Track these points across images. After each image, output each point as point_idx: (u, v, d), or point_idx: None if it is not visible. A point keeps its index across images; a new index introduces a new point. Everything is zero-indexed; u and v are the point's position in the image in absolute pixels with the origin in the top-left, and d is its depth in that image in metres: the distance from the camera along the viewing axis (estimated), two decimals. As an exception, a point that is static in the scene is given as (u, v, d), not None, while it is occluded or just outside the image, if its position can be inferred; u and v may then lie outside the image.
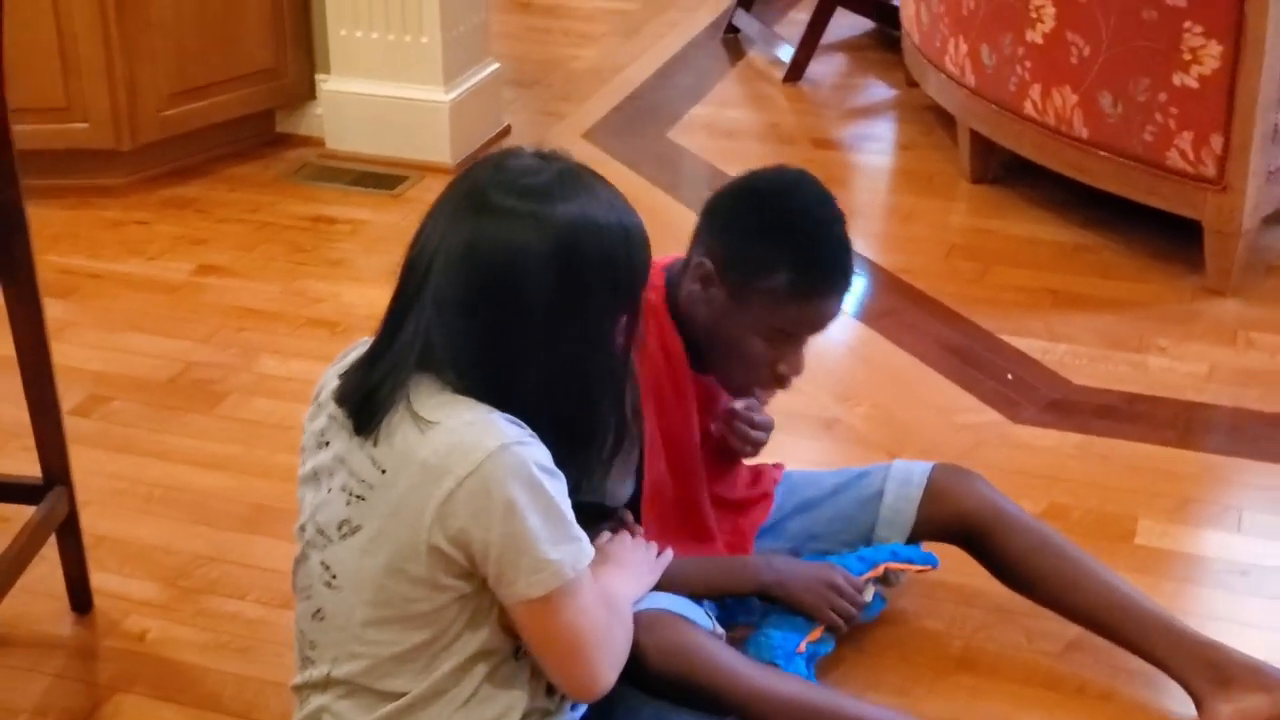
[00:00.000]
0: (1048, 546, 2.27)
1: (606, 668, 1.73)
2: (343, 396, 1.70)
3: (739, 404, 2.23)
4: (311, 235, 3.62)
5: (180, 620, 2.35)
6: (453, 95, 3.98)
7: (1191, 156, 3.31)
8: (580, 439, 1.71)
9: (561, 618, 1.65)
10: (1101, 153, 3.50)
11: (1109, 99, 3.43)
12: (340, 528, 1.69)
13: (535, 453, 1.61)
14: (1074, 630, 2.29)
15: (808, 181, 2.09)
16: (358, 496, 1.67)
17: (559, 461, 1.66)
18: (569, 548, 1.63)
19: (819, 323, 2.05)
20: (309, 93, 4.09)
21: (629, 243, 1.69)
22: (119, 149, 3.77)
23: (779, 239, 2.00)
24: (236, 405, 2.93)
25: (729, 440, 2.24)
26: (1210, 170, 3.30)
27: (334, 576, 1.71)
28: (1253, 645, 2.26)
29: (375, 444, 1.64)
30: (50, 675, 2.24)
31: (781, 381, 2.09)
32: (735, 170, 3.97)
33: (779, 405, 2.88)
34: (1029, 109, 3.64)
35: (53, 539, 2.25)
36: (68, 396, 2.89)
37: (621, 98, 4.63)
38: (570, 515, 1.64)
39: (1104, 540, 2.55)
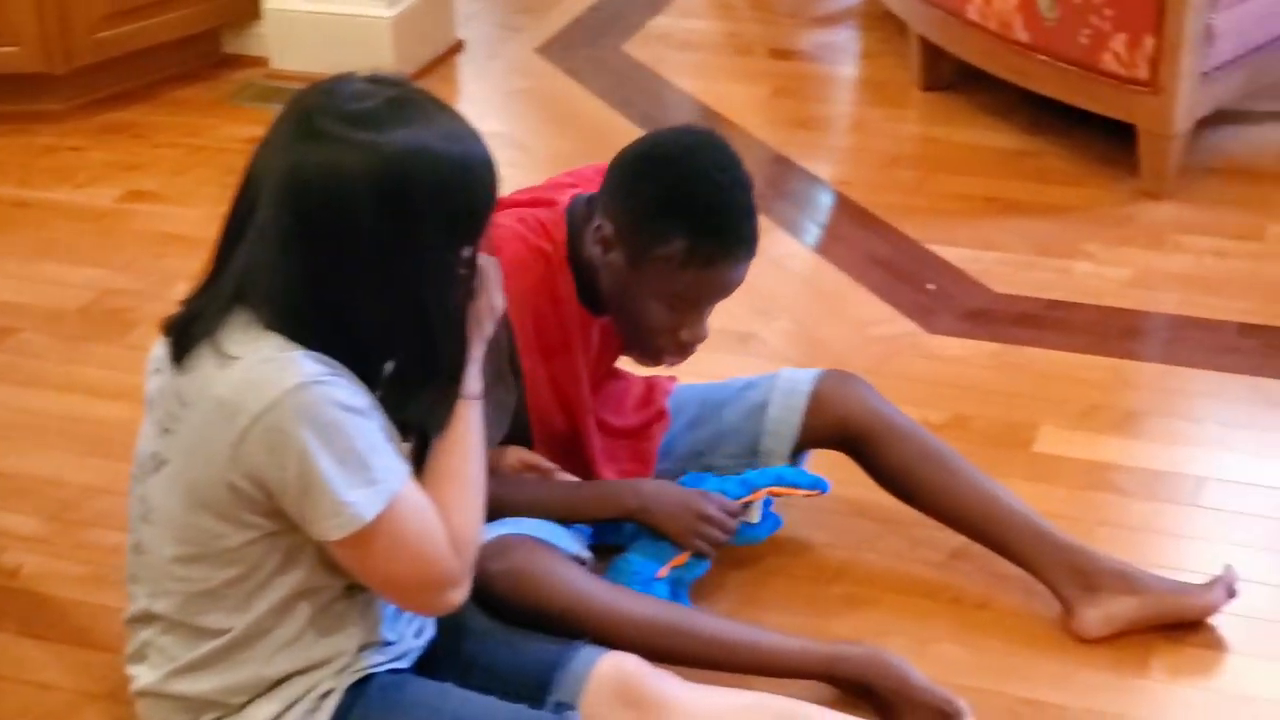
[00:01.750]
0: (930, 455, 2.25)
1: (438, 594, 1.69)
2: (168, 325, 1.67)
3: None
4: (246, 159, 3.59)
5: (58, 554, 2.35)
6: (396, 10, 3.94)
7: (1125, 59, 3.26)
8: (421, 376, 1.67)
9: (371, 558, 1.63)
10: (1041, 57, 3.44)
11: (1047, 2, 3.36)
12: (153, 459, 1.68)
13: (335, 391, 1.57)
14: (959, 539, 2.27)
15: (710, 145, 2.02)
16: (166, 429, 1.66)
17: (399, 398, 1.64)
18: (366, 491, 1.58)
19: (720, 290, 2.01)
20: (254, 10, 4.06)
21: (468, 173, 1.63)
22: (53, 73, 3.75)
23: (675, 208, 1.94)
24: (147, 334, 2.86)
25: None
26: (1143, 72, 3.24)
27: (149, 510, 1.70)
28: (1137, 549, 2.27)
29: (183, 375, 1.63)
30: (-86, 619, 2.23)
31: (684, 350, 2.06)
32: (687, 83, 4.05)
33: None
34: (972, 13, 3.58)
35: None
36: (-27, 330, 2.94)
37: (583, 9, 4.58)
38: (375, 457, 1.59)
39: (1001, 449, 2.54)
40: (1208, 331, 2.87)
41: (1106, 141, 3.47)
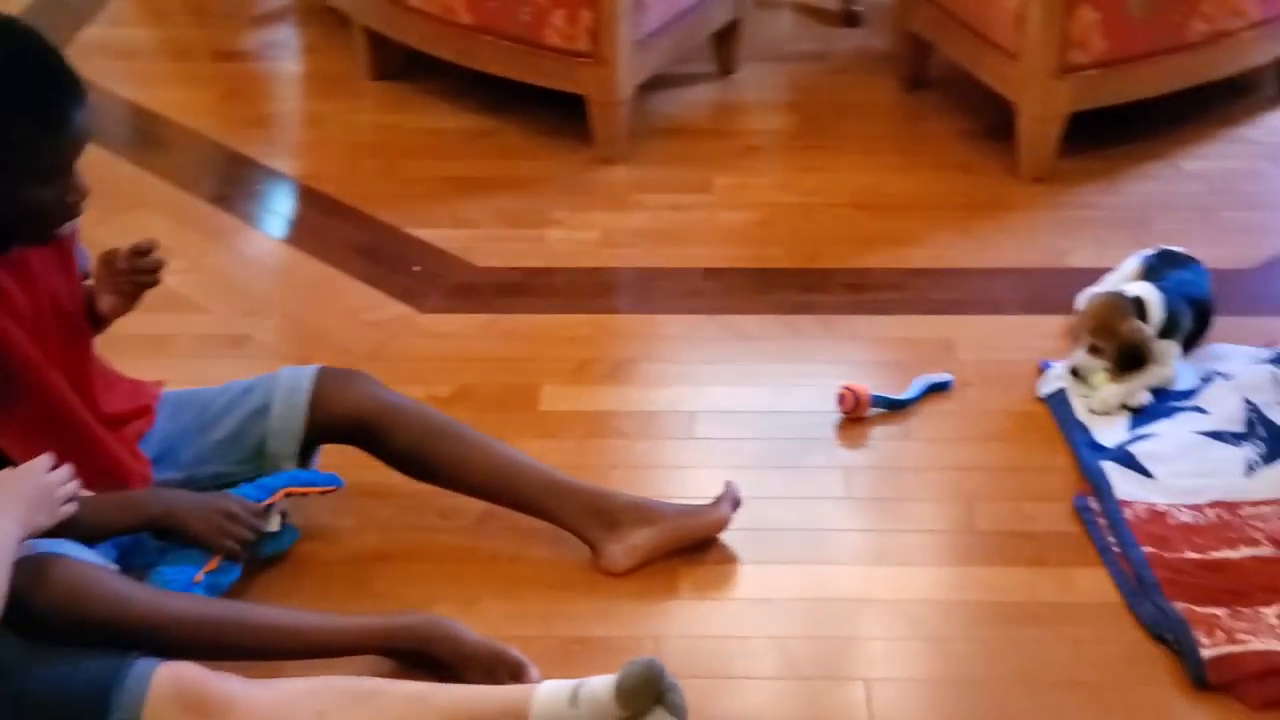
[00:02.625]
0: (437, 431, 2.33)
1: None
2: None
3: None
4: None
5: None
6: None
7: (566, 33, 3.43)
8: None
9: None
10: (486, 37, 3.57)
11: (486, -17, 3.51)
12: None
13: None
14: (484, 504, 2.37)
15: None
16: None
17: None
18: None
19: (78, 140, 1.96)
20: None
21: None
22: None
23: None
24: None
25: (135, 283, 2.18)
26: (584, 44, 3.42)
27: None
28: (647, 486, 2.43)
29: None
30: None
31: (77, 209, 2.02)
32: (134, 93, 3.95)
33: (182, 329, 2.87)
34: (414, 0, 3.67)
35: None
36: None
37: None
38: None
39: (509, 412, 2.66)
40: (675, 280, 3.09)
41: (560, 114, 3.64)
